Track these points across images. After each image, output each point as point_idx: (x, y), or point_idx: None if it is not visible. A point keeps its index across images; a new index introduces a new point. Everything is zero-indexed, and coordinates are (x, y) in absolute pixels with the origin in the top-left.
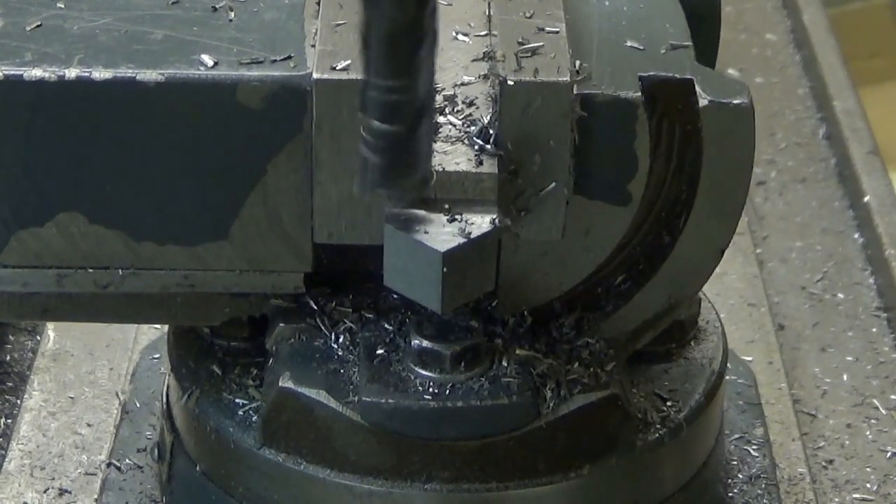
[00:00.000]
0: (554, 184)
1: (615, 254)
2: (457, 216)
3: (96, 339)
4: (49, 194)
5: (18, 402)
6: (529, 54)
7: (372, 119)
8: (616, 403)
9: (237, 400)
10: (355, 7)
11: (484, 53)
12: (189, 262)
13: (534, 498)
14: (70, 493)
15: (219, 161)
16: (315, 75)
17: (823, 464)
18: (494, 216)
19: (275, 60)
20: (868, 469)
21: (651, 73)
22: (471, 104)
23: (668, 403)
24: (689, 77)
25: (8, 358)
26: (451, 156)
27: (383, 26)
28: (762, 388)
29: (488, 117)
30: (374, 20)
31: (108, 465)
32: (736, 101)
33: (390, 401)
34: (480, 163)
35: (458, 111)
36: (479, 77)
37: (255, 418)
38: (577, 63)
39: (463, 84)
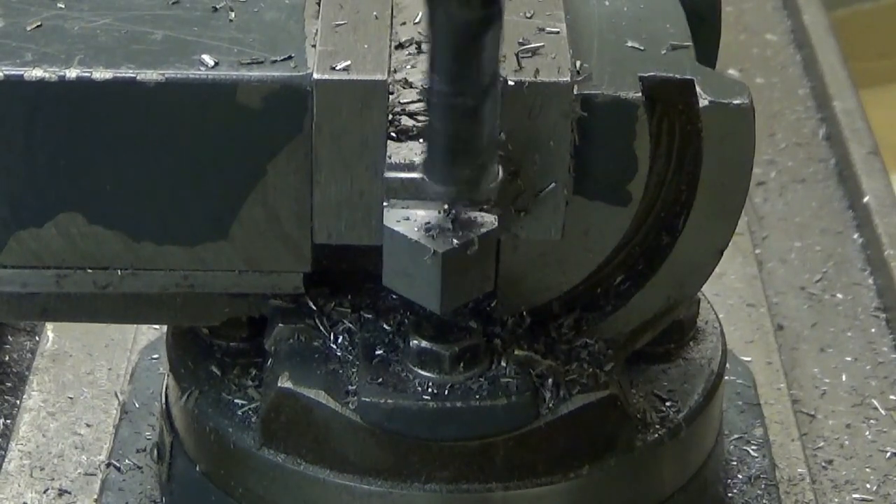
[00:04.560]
0: (553, 184)
1: (614, 254)
2: (457, 216)
3: (95, 339)
4: (49, 194)
5: (18, 402)
6: (530, 54)
7: (434, 120)
8: (615, 404)
9: (236, 400)
10: (356, 7)
11: None
12: (188, 262)
13: (533, 498)
14: (70, 493)
15: (219, 161)
16: (315, 76)
17: (823, 464)
18: (494, 216)
19: (275, 61)
20: (867, 469)
21: (651, 74)
22: None
23: (668, 404)
24: (689, 77)
25: (7, 358)
26: None
27: (448, 27)
28: (761, 389)
29: None
30: (439, 21)
31: (108, 465)
32: (736, 102)
33: (389, 401)
34: None
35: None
36: None
37: (254, 419)
38: (578, 63)
39: None
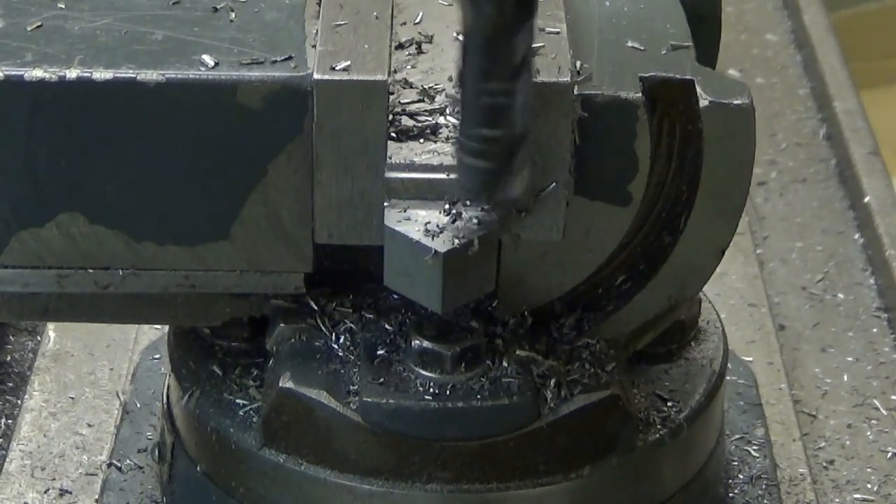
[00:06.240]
0: (554, 184)
1: (615, 254)
2: (457, 216)
3: (96, 339)
4: (49, 194)
5: (19, 402)
6: None
7: (472, 124)
8: (616, 404)
9: (238, 400)
10: (356, 7)
11: None
12: (190, 262)
13: (534, 498)
14: (71, 493)
15: (219, 161)
16: (316, 76)
17: (824, 464)
18: (495, 216)
19: (275, 61)
20: (869, 469)
21: (652, 74)
22: None
23: (669, 404)
24: (689, 77)
25: (8, 358)
26: (452, 156)
27: (484, 28)
28: (763, 389)
29: None
30: (474, 22)
31: (109, 465)
32: (736, 102)
33: (391, 401)
34: None
35: (458, 111)
36: None
37: (255, 419)
38: (578, 63)
39: None
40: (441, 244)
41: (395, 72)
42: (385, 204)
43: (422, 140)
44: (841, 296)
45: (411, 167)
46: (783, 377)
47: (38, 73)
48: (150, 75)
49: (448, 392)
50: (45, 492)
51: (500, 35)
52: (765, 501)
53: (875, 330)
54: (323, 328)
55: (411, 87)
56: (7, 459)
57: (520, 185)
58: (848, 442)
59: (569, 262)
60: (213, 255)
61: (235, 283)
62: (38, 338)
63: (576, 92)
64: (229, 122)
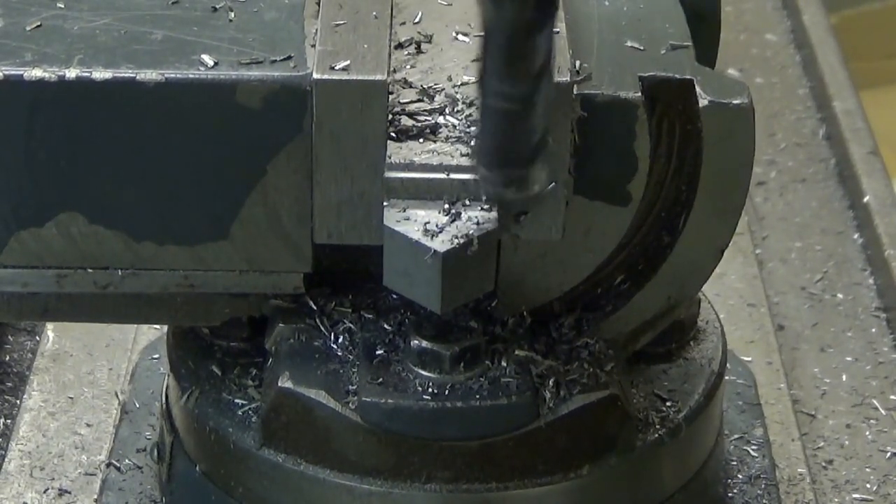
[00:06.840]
0: (554, 184)
1: (615, 254)
2: (457, 216)
3: (96, 339)
4: (49, 194)
5: (18, 402)
6: None
7: (487, 120)
8: (615, 404)
9: (237, 400)
10: (356, 7)
11: None
12: (189, 262)
13: (533, 498)
14: (70, 493)
15: (219, 161)
16: (315, 75)
17: (823, 464)
18: (494, 216)
19: (275, 60)
20: (868, 469)
21: (651, 74)
22: (471, 104)
23: (668, 404)
24: (689, 77)
25: (7, 358)
26: (451, 156)
27: (503, 29)
28: (762, 389)
29: None
30: (495, 22)
31: (108, 465)
32: (736, 102)
33: (390, 401)
34: None
35: (457, 111)
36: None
37: (254, 419)
38: (578, 63)
39: (463, 84)
40: (440, 244)
41: (395, 71)
42: (384, 204)
43: (421, 140)
44: (840, 296)
45: (411, 167)
46: (782, 377)
47: (37, 73)
48: (150, 75)
49: (447, 392)
50: (45, 491)
51: (521, 35)
52: (764, 501)
53: (874, 330)
54: (322, 328)
55: (411, 87)
56: (6, 459)
57: (538, 188)
58: (847, 442)
59: (568, 261)
60: (213, 255)
61: (235, 283)
62: (37, 338)
63: (575, 92)
64: (228, 122)
